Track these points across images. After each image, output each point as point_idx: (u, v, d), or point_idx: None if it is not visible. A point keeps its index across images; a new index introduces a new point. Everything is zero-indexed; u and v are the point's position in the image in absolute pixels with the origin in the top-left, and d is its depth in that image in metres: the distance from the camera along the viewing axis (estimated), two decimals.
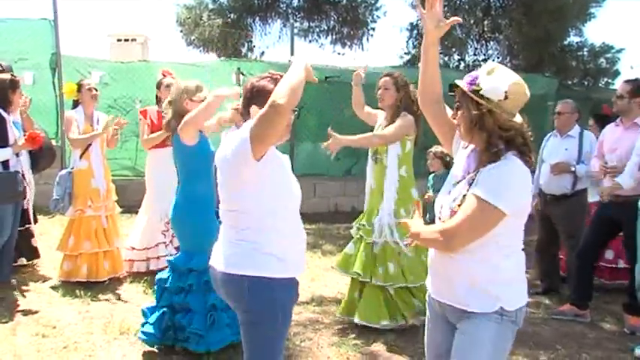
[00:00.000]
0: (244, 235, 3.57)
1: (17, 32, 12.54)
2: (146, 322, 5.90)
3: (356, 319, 6.59)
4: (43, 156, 8.06)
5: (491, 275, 3.32)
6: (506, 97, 3.19)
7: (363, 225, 6.75)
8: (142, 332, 5.88)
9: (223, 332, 5.66)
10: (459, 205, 3.24)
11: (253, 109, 3.59)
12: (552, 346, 6.51)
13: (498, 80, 3.21)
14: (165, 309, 5.81)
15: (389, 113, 6.63)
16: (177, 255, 5.95)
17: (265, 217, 3.52)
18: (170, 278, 5.82)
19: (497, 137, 3.24)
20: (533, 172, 3.46)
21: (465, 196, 3.24)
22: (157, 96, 8.39)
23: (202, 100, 5.57)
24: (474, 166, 3.38)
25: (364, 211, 6.88)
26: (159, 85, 8.33)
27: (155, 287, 6.06)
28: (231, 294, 3.65)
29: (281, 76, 3.60)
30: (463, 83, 3.29)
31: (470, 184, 3.27)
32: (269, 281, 3.51)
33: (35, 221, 8.42)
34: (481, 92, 3.22)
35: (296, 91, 3.30)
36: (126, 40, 51.39)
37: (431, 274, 3.62)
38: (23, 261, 8.36)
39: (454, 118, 3.46)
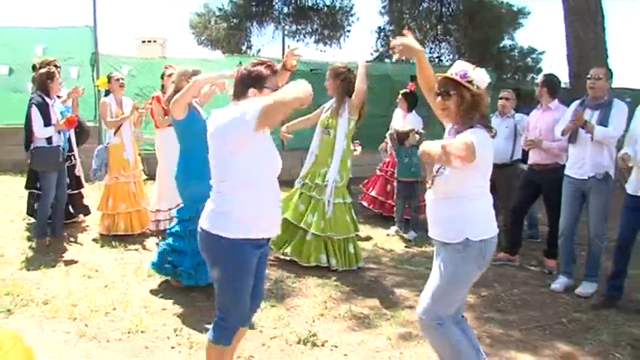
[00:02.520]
0: (215, 196, 3.61)
1: (66, 37, 12.59)
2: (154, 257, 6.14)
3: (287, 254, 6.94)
4: (81, 135, 8.23)
5: (461, 212, 3.65)
6: (486, 88, 3.60)
7: (307, 183, 6.95)
8: (151, 262, 6.13)
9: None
10: (435, 175, 3.68)
11: (251, 91, 3.59)
12: (490, 284, 6.64)
13: (482, 74, 3.61)
14: (165, 247, 6.03)
15: (335, 99, 6.93)
16: (179, 207, 6.16)
17: (239, 185, 3.48)
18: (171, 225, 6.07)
19: (480, 117, 3.61)
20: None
21: (439, 169, 3.68)
22: (162, 85, 8.45)
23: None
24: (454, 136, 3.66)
25: (306, 172, 7.04)
26: (162, 76, 8.34)
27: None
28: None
29: (272, 64, 3.73)
30: (455, 75, 3.60)
31: None
32: (218, 238, 3.52)
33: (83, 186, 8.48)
34: (473, 82, 3.56)
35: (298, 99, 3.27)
36: (148, 42, 50.97)
37: (428, 218, 3.88)
38: (80, 217, 8.42)
39: (442, 104, 3.71)
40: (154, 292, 6.00)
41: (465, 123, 3.61)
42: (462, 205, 3.66)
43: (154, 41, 51.06)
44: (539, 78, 7.62)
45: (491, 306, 6.05)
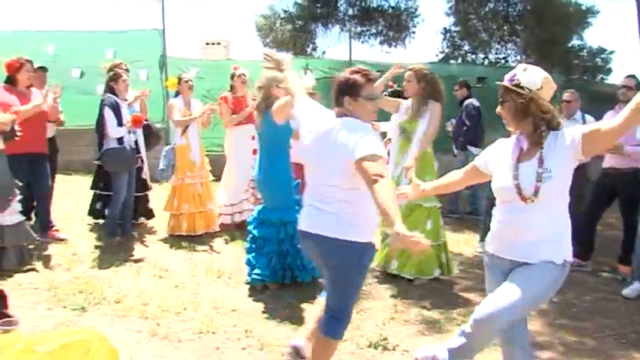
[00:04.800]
0: (341, 205, 3.61)
1: (135, 40, 12.93)
2: (255, 267, 6.10)
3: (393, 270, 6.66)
4: (151, 139, 8.32)
5: (561, 228, 3.47)
6: (541, 87, 3.37)
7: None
8: (253, 276, 6.09)
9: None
10: (539, 181, 3.34)
11: (346, 99, 3.64)
12: (561, 290, 6.45)
13: (533, 74, 3.41)
14: (272, 255, 6.02)
15: (414, 101, 6.61)
16: (266, 211, 6.10)
17: (366, 193, 3.41)
18: (267, 232, 6.05)
19: (541, 119, 3.38)
20: None
21: (542, 173, 3.35)
22: (231, 85, 8.54)
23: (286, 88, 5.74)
24: (525, 148, 3.48)
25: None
26: (232, 77, 8.50)
27: (250, 240, 6.25)
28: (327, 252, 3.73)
29: (369, 72, 3.68)
30: (505, 81, 3.44)
31: (541, 161, 3.37)
32: (352, 244, 3.59)
33: (149, 188, 8.62)
34: (521, 85, 3.38)
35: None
36: (213, 44, 51.42)
37: (496, 235, 3.65)
38: (143, 220, 8.54)
39: (500, 113, 3.55)
40: (223, 293, 6.05)
41: (526, 128, 3.45)
42: (563, 218, 3.50)
43: (218, 43, 51.47)
44: (624, 79, 7.31)
45: (563, 313, 5.93)
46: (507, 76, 3.47)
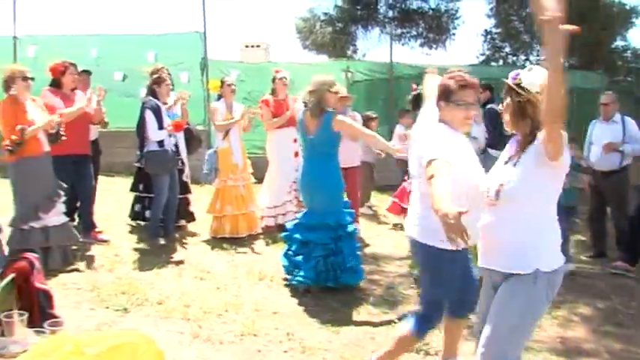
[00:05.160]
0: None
1: (176, 43, 13.08)
2: (299, 270, 6.09)
3: None
4: (193, 143, 8.34)
5: (529, 236, 3.22)
6: (540, 92, 3.12)
7: None
8: (298, 278, 6.07)
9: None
10: (501, 184, 3.19)
11: (440, 103, 3.68)
12: (607, 296, 6.38)
13: (535, 76, 3.19)
14: (319, 259, 5.98)
15: None
16: (315, 215, 6.08)
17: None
18: (318, 236, 6.02)
19: (538, 124, 3.16)
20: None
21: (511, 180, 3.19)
22: (273, 88, 8.56)
23: (337, 92, 5.96)
24: (514, 151, 3.32)
25: None
26: (274, 80, 8.51)
27: (296, 244, 6.24)
28: None
29: (464, 78, 3.63)
30: (509, 79, 3.29)
31: (515, 165, 3.23)
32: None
33: (190, 191, 8.65)
34: (522, 84, 3.20)
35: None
36: (252, 47, 51.69)
37: (481, 244, 3.45)
38: (183, 222, 8.56)
39: (501, 109, 3.43)
40: (265, 295, 6.05)
41: (523, 130, 3.27)
42: (533, 225, 3.27)
43: (258, 46, 51.72)
44: None
45: (608, 319, 5.79)
46: (512, 74, 3.33)
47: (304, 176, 6.15)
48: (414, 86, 8.26)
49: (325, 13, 23.79)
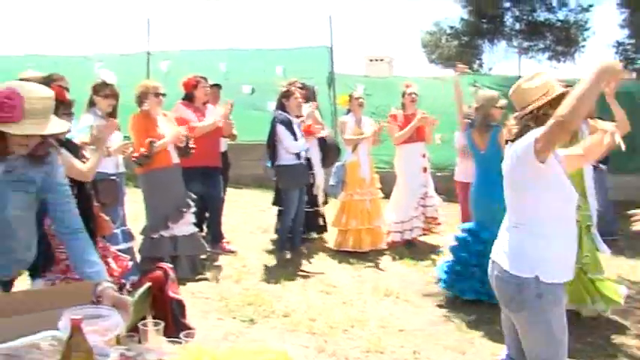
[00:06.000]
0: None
1: (304, 57, 13.25)
2: (470, 282, 6.01)
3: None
4: (330, 154, 8.35)
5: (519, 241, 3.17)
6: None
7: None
8: (468, 292, 6.04)
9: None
10: None
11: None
12: None
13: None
14: (475, 268, 5.89)
15: None
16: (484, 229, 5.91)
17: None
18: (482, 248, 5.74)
19: None
20: None
21: None
22: (402, 103, 8.45)
23: (502, 107, 5.91)
24: None
25: None
26: (403, 94, 8.40)
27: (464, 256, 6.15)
28: None
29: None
30: None
31: None
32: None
33: (325, 203, 8.68)
34: None
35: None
36: (376, 60, 51.83)
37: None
38: (313, 235, 8.60)
39: None
40: (391, 311, 5.95)
41: None
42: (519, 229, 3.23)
43: (382, 60, 51.86)
44: None
45: None
46: None
47: (477, 189, 6.13)
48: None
49: (451, 27, 23.66)
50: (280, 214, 8.16)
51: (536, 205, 3.15)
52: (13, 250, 3.19)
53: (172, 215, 6.61)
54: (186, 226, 6.78)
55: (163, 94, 6.64)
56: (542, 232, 3.13)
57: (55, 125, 2.86)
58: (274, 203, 8.32)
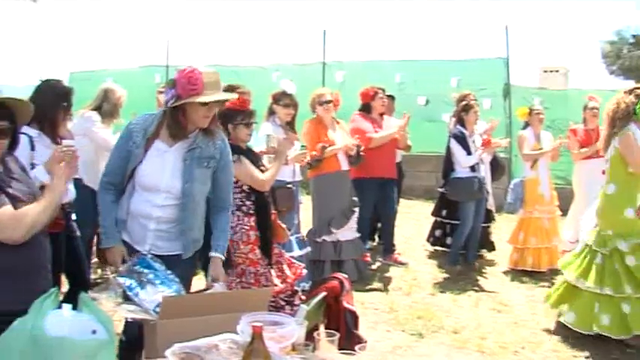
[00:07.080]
0: None
1: (480, 68, 13.05)
2: None
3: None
4: (497, 170, 8.25)
5: None
6: None
7: None
8: None
9: None
10: None
11: None
12: None
13: None
14: None
15: None
16: None
17: None
18: None
19: None
20: None
21: None
22: (583, 117, 8.08)
23: None
24: None
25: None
26: (585, 108, 8.04)
27: None
28: None
29: None
30: None
31: None
32: None
33: (493, 220, 8.51)
34: None
35: None
36: (551, 72, 50.20)
37: None
38: (484, 252, 8.42)
39: None
40: (564, 335, 5.62)
41: None
42: None
43: (557, 71, 50.09)
44: None
45: None
46: None
47: None
48: None
49: (634, 36, 22.38)
50: (441, 226, 8.15)
51: None
52: (191, 228, 3.53)
53: (336, 220, 6.80)
54: (349, 231, 6.95)
55: (328, 102, 6.82)
56: None
57: (224, 94, 3.47)
58: (433, 214, 8.32)
